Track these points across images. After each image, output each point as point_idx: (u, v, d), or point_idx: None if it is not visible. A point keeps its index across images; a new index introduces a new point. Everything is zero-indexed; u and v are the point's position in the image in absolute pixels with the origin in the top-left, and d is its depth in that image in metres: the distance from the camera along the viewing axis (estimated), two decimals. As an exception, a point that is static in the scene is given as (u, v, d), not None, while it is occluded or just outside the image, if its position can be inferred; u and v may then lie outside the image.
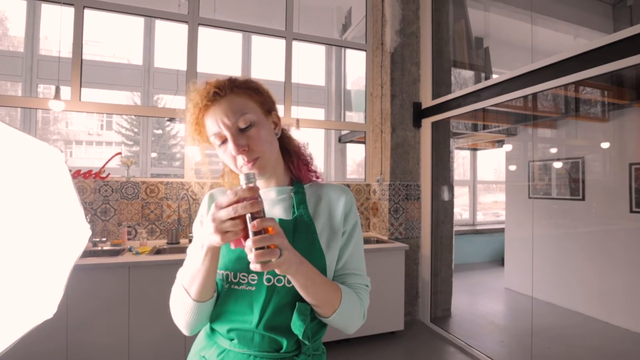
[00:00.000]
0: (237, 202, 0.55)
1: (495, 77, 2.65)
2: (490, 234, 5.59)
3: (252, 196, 0.55)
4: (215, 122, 0.67)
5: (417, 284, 3.30)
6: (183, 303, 0.67)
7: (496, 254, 5.46)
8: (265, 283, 0.67)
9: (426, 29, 3.33)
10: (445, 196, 3.36)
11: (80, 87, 2.73)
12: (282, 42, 3.37)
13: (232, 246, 0.58)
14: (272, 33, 3.39)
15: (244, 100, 0.68)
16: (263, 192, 0.76)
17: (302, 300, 0.66)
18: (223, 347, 0.70)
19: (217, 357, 0.69)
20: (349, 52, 5.07)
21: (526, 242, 3.64)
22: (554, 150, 4.00)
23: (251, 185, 0.56)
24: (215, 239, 0.56)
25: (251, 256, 0.53)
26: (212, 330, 0.73)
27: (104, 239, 2.62)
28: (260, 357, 0.67)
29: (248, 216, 0.54)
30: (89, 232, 0.58)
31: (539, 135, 4.16)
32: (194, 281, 0.64)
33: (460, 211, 6.18)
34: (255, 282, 0.67)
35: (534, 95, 2.83)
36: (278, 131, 0.77)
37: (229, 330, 0.69)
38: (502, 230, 4.70)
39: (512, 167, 4.48)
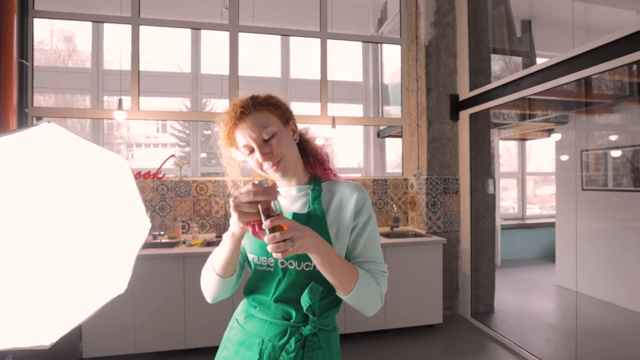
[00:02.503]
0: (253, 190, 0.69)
1: (540, 63, 2.52)
2: (542, 228, 5.28)
3: (263, 187, 0.69)
4: (243, 136, 0.82)
5: (457, 278, 3.27)
6: (209, 276, 0.85)
7: (548, 249, 5.14)
8: (280, 265, 0.82)
9: (462, 19, 3.24)
10: (487, 189, 3.27)
11: (139, 96, 3.06)
12: (319, 40, 3.46)
13: (251, 233, 0.72)
14: (308, 35, 3.51)
15: (265, 115, 0.82)
16: (285, 190, 0.91)
17: (317, 281, 0.79)
18: (249, 313, 0.88)
19: (244, 319, 0.88)
20: (385, 45, 5.03)
21: (579, 237, 3.42)
22: (612, 138, 3.69)
23: (263, 180, 0.72)
24: (234, 219, 0.71)
25: (269, 248, 0.66)
26: (247, 300, 0.90)
27: (162, 233, 2.93)
28: (275, 323, 0.83)
29: (261, 210, 0.68)
30: (149, 225, 0.74)
31: (594, 122, 3.86)
32: (219, 259, 0.81)
33: (512, 204, 5.89)
34: (273, 264, 0.83)
35: (586, 79, 2.65)
36: (296, 137, 0.90)
37: (253, 300, 0.87)
38: (553, 225, 4.43)
39: (564, 157, 4.20)
